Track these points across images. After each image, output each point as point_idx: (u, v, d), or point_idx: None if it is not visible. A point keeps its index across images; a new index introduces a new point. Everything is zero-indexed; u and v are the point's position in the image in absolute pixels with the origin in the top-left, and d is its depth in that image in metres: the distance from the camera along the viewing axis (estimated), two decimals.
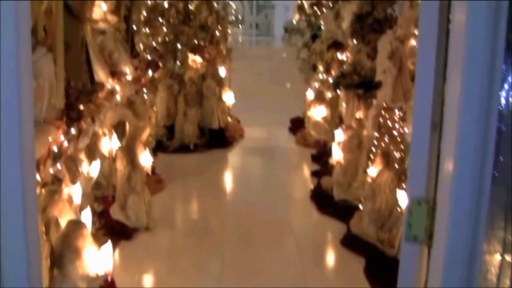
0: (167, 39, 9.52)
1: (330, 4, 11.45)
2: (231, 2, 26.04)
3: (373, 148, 6.49)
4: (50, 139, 4.17)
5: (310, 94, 10.35)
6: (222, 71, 10.71)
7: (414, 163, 2.27)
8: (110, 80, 5.89)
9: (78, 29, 5.01)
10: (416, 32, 6.26)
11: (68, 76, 4.64)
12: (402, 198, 5.14)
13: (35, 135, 4.09)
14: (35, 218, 2.22)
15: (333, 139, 7.59)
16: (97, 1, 6.34)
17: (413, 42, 6.31)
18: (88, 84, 5.13)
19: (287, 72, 15.96)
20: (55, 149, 4.29)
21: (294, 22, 19.23)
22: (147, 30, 9.51)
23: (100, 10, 6.39)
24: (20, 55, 1.97)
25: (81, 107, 4.61)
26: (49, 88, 4.26)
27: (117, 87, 6.11)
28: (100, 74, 5.67)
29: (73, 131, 4.57)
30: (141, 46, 8.91)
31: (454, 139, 2.02)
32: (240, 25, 26.04)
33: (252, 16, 27.66)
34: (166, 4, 9.73)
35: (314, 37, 14.81)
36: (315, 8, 16.60)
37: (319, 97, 9.82)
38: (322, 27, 11.82)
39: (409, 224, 2.21)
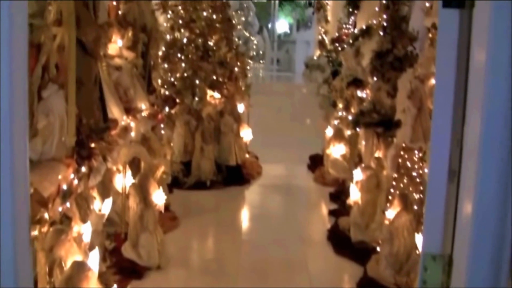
0: (185, 74, 9.47)
1: (350, 41, 11.41)
2: (252, 37, 26.15)
3: (391, 189, 6.35)
4: (59, 177, 4.10)
5: (329, 132, 10.24)
6: (241, 107, 10.66)
7: (429, 216, 2.14)
8: (124, 117, 5.83)
9: (91, 65, 4.95)
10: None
11: (80, 114, 4.57)
12: (421, 242, 4.98)
13: (44, 173, 4.03)
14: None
15: (351, 177, 7.46)
16: (113, 37, 6.33)
17: (433, 81, 6.19)
18: (101, 122, 5.06)
19: (307, 108, 15.87)
20: (64, 187, 4.21)
21: (315, 58, 19.21)
22: (166, 65, 9.49)
23: (116, 46, 6.37)
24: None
25: (92, 145, 4.53)
26: (60, 126, 4.20)
27: (132, 124, 6.05)
28: (114, 111, 5.61)
29: (83, 169, 4.49)
30: (159, 82, 8.88)
31: (473, 189, 1.90)
32: (261, 60, 26.07)
33: (273, 52, 27.72)
34: (185, 40, 9.70)
35: (335, 73, 14.77)
36: (336, 44, 16.62)
37: (338, 135, 9.70)
38: (343, 63, 11.77)
39: (424, 281, 2.08)
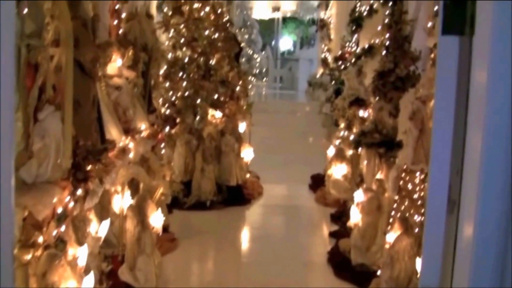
0: (187, 93, 9.43)
1: (353, 60, 11.39)
2: (255, 55, 26.17)
3: (393, 212, 6.27)
4: (54, 200, 4.04)
5: (330, 151, 10.18)
6: (242, 127, 10.60)
7: (427, 248, 2.08)
8: (123, 138, 5.77)
9: (89, 86, 4.90)
10: None
11: (77, 135, 4.52)
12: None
13: (39, 196, 3.97)
14: None
15: (353, 198, 7.38)
16: (113, 56, 6.29)
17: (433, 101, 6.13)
18: (98, 143, 5.00)
19: (309, 127, 15.84)
20: (60, 210, 4.15)
21: (318, 76, 19.21)
22: (167, 84, 9.45)
23: (115, 65, 6.33)
24: None
25: (89, 167, 4.47)
26: (56, 148, 4.14)
27: (131, 145, 5.99)
28: (113, 132, 5.56)
29: (79, 192, 4.43)
30: (160, 101, 8.84)
31: (473, 220, 1.84)
32: (264, 78, 26.07)
33: (276, 69, 27.71)
34: (186, 59, 9.67)
35: (337, 92, 14.75)
36: (339, 62, 16.61)
37: (340, 155, 9.64)
38: (345, 83, 11.75)
39: None
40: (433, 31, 6.92)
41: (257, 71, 25.57)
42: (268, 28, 30.10)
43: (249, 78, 18.31)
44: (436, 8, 7.32)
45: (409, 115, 5.91)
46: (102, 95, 5.56)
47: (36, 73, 4.08)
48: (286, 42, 31.91)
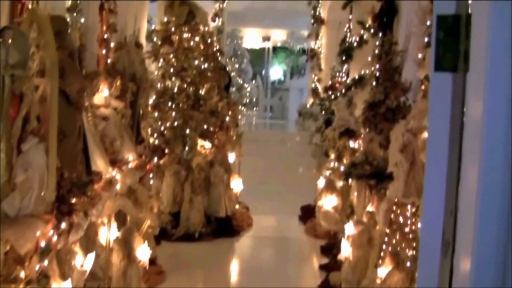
0: (176, 123, 9.35)
1: (343, 90, 11.36)
2: (245, 84, 26.19)
3: (384, 245, 6.18)
4: (37, 234, 3.94)
5: (321, 182, 10.09)
6: (232, 157, 10.52)
7: None
8: (109, 169, 5.68)
9: (75, 117, 4.82)
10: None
11: (62, 167, 4.43)
12: None
13: (21, 230, 3.86)
14: None
15: (343, 230, 7.29)
16: (100, 86, 6.22)
17: (426, 135, 6.08)
18: (84, 175, 4.90)
19: (299, 157, 15.75)
20: (43, 244, 4.05)
21: (308, 106, 19.20)
22: (156, 114, 9.37)
23: (103, 95, 6.27)
24: None
25: (74, 200, 4.38)
26: (39, 180, 4.06)
27: (118, 176, 5.89)
28: (99, 163, 5.46)
29: (63, 225, 4.32)
30: (149, 131, 8.76)
31: (469, 264, 1.76)
32: (254, 108, 26.06)
33: (266, 99, 27.73)
34: (176, 88, 9.60)
35: (328, 122, 14.70)
36: (329, 92, 16.61)
37: (330, 186, 9.55)
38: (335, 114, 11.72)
39: None
40: (424, 62, 6.89)
41: (247, 100, 25.59)
42: (259, 58, 30.17)
43: (239, 107, 18.32)
44: (426, 39, 7.31)
45: (400, 148, 5.84)
46: (89, 125, 5.47)
47: (21, 104, 4.02)
48: (276, 71, 31.97)
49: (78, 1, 7.11)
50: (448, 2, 1.87)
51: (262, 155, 15.29)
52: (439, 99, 1.89)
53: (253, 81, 27.67)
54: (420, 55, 7.23)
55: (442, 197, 1.96)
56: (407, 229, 5.92)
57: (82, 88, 4.77)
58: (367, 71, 10.14)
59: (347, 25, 14.51)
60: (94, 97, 6.07)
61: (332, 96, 16.05)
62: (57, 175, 4.27)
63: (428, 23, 7.31)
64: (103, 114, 6.14)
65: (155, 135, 9.21)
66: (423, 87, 6.57)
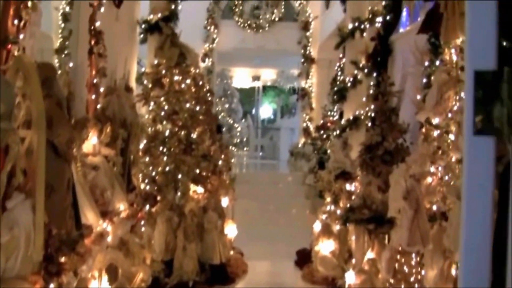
0: (167, 168, 9.09)
1: (337, 132, 11.19)
2: (236, 124, 26.02)
3: None
4: None
5: (317, 226, 9.84)
6: (225, 201, 10.26)
7: None
8: (100, 222, 5.41)
9: (64, 169, 4.56)
10: (432, 169, 5.85)
11: (50, 223, 4.16)
12: None
13: None
14: None
15: (342, 275, 7.03)
16: (89, 134, 6.00)
17: (429, 180, 5.87)
18: (73, 230, 4.63)
19: (293, 198, 15.50)
20: None
21: (300, 145, 19.02)
22: (147, 159, 9.12)
23: (93, 143, 6.04)
24: None
25: (63, 259, 4.11)
26: (26, 239, 3.80)
27: (109, 228, 5.62)
28: (89, 216, 5.20)
29: (52, 286, 4.05)
30: (140, 176, 8.51)
31: None
32: (245, 148, 25.85)
33: (257, 139, 27.53)
34: (167, 132, 9.37)
35: (321, 162, 14.52)
36: (321, 131, 16.48)
37: (327, 231, 9.31)
38: (329, 153, 11.54)
39: None
40: (423, 104, 6.70)
41: (238, 140, 25.40)
42: (249, 97, 30.08)
43: (230, 147, 18.10)
44: (424, 80, 7.16)
45: (403, 195, 5.62)
46: (78, 176, 5.22)
47: (5, 157, 3.77)
48: (266, 110, 31.85)
49: (67, 42, 6.94)
50: (486, 55, 1.64)
51: (255, 197, 15.03)
52: (478, 163, 1.66)
53: (243, 120, 27.50)
54: (418, 96, 7.06)
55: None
56: (412, 279, 5.70)
57: (71, 139, 4.53)
58: (362, 112, 10.00)
59: (338, 64, 14.44)
60: (83, 145, 5.84)
61: (324, 136, 15.92)
62: (45, 233, 4.01)
63: (426, 63, 7.18)
64: (92, 163, 5.90)
65: (146, 180, 8.95)
66: (423, 130, 6.37)
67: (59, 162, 4.49)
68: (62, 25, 8.11)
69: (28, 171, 4.01)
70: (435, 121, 6.06)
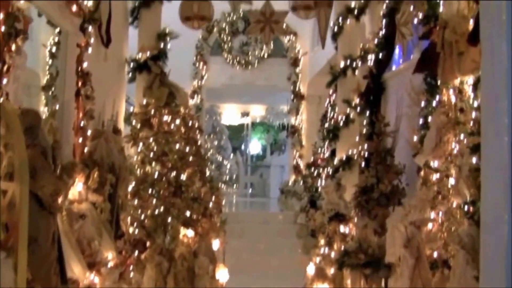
0: (157, 212, 8.82)
1: (330, 172, 10.99)
2: (225, 161, 25.78)
3: None
4: None
5: (310, 269, 9.56)
6: (216, 244, 9.98)
7: None
8: (87, 274, 5.16)
9: (49, 222, 4.32)
10: (432, 215, 5.66)
11: (33, 281, 3.92)
12: None
13: None
14: None
15: None
16: (76, 180, 5.77)
17: (430, 226, 5.68)
18: (59, 285, 4.38)
19: (284, 238, 15.20)
20: None
21: (290, 183, 18.81)
22: (135, 202, 8.86)
23: (79, 190, 5.81)
24: None
25: None
26: None
27: (96, 280, 5.37)
28: (75, 269, 4.96)
29: None
30: (128, 220, 8.26)
31: None
32: (234, 185, 25.57)
33: (247, 176, 27.28)
34: (156, 174, 9.12)
35: (312, 201, 14.32)
36: (312, 169, 16.27)
37: (321, 274, 9.03)
38: (322, 194, 11.35)
39: None
40: (420, 147, 6.53)
41: (227, 178, 25.13)
42: (238, 133, 29.90)
43: (220, 185, 17.85)
44: (421, 121, 6.99)
45: (404, 243, 5.42)
46: (64, 227, 4.99)
47: None
48: (256, 147, 31.62)
49: (54, 80, 6.77)
50: None
51: (245, 237, 14.75)
52: None
53: (232, 155, 27.26)
54: (415, 138, 6.89)
55: None
56: None
57: (56, 190, 4.29)
58: (355, 152, 9.81)
59: (328, 100, 14.31)
60: (69, 191, 5.61)
61: (315, 173, 15.71)
62: None
63: (423, 103, 7.02)
64: (79, 211, 5.66)
65: (135, 224, 8.67)
66: (422, 173, 6.19)
67: (44, 215, 4.25)
68: (50, 61, 7.93)
69: (10, 226, 3.78)
70: (434, 164, 5.90)
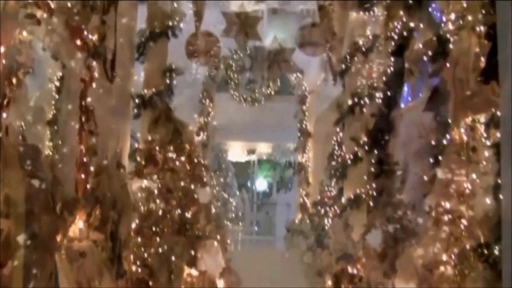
0: (160, 250, 8.65)
1: (338, 211, 10.82)
2: (231, 199, 25.59)
3: None
4: None
5: None
6: (220, 284, 9.79)
7: None
8: None
9: (45, 262, 4.16)
10: (445, 257, 5.48)
11: None
12: None
13: None
14: None
15: None
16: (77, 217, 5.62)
17: (442, 269, 5.49)
18: None
19: (290, 278, 14.90)
20: None
21: (297, 221, 18.61)
22: (139, 240, 8.69)
23: (80, 227, 5.65)
24: None
25: None
26: None
27: None
28: None
29: None
30: (131, 257, 8.08)
31: None
32: (240, 223, 25.35)
33: (252, 213, 27.07)
34: (160, 212, 8.97)
35: (319, 240, 14.12)
36: (319, 207, 16.11)
37: None
38: (328, 232, 11.20)
39: None
40: (430, 185, 6.37)
41: (233, 215, 24.89)
42: (244, 171, 29.69)
43: (226, 223, 17.63)
44: (431, 159, 6.86)
45: (415, 286, 5.25)
46: (63, 266, 4.81)
47: None
48: (262, 184, 31.39)
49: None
50: None
51: (251, 276, 14.48)
52: None
53: (238, 193, 27.07)
54: (425, 177, 6.74)
55: None
56: None
57: (55, 229, 4.13)
58: (363, 191, 9.66)
59: (335, 138, 14.21)
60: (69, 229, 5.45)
61: (322, 211, 15.54)
62: None
63: (433, 142, 6.89)
64: (79, 249, 5.48)
65: (138, 262, 8.49)
66: (433, 214, 6.02)
67: (41, 254, 4.09)
68: (56, 96, 7.84)
69: (4, 263, 3.63)
70: (446, 205, 5.73)
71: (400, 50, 8.47)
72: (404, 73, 7.93)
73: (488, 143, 5.17)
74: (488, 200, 4.67)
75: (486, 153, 5.12)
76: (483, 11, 5.28)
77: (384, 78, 9.39)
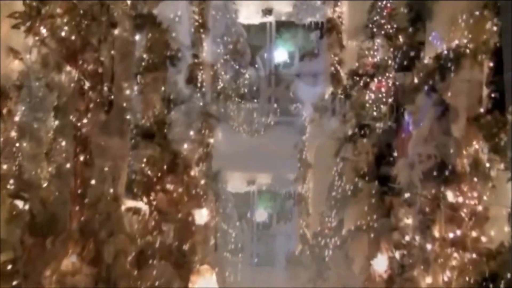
0: (157, 283, 8.50)
1: (337, 241, 10.71)
2: (230, 230, 25.29)
3: None
4: None
5: None
6: None
7: None
8: None
9: None
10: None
11: None
12: None
13: None
14: None
15: None
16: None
17: None
18: None
19: None
20: None
21: (297, 252, 18.49)
22: (135, 272, 8.54)
23: (72, 261, 5.52)
24: None
25: None
26: None
27: None
28: None
29: None
30: None
31: None
32: (239, 254, 25.01)
33: (252, 244, 26.81)
34: (157, 244, 8.82)
35: (319, 273, 13.96)
36: (319, 238, 15.96)
37: None
38: (328, 264, 11.04)
39: None
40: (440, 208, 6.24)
41: (233, 246, 24.43)
42: (243, 201, 29.37)
43: (224, 254, 17.36)
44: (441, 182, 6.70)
45: None
46: None
47: None
48: (262, 215, 30.99)
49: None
50: None
51: None
52: None
53: (237, 223, 26.78)
54: (427, 209, 6.60)
55: None
56: None
57: (46, 264, 4.00)
58: (364, 222, 9.54)
59: (335, 169, 14.09)
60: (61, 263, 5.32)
61: (322, 242, 15.39)
62: None
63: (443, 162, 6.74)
64: (72, 284, 5.35)
65: None
66: (436, 247, 5.88)
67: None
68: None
69: None
70: (457, 231, 5.60)
71: (408, 65, 8.40)
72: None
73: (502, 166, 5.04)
74: (506, 228, 4.52)
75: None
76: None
77: (383, 109, 9.31)
